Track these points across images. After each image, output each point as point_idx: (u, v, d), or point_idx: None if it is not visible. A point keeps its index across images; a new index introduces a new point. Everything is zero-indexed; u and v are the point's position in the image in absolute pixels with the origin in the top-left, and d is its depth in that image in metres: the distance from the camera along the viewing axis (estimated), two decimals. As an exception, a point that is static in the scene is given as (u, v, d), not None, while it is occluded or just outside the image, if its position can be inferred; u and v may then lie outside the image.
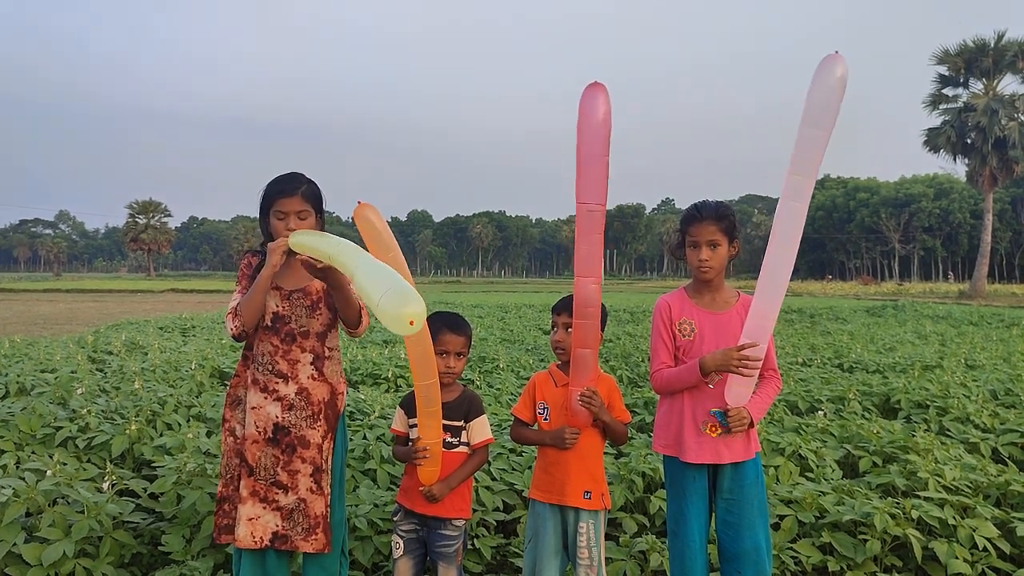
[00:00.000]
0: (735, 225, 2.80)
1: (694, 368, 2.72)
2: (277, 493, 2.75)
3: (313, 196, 2.85)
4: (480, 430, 2.90)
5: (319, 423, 2.82)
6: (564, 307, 2.88)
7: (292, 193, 2.78)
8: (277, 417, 2.77)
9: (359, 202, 2.78)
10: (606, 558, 3.23)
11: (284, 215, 2.78)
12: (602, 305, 2.76)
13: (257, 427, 2.77)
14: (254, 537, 2.72)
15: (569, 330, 2.83)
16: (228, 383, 7.46)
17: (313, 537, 2.76)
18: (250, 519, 2.72)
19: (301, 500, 2.76)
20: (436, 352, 2.79)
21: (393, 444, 3.11)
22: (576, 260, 2.67)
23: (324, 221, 2.99)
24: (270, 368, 2.79)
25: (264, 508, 2.74)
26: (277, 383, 2.78)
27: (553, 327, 2.97)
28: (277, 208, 2.79)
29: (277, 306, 2.80)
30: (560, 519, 2.86)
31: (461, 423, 2.89)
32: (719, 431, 2.74)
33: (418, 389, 2.74)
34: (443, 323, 2.89)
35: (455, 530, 2.85)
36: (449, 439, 2.86)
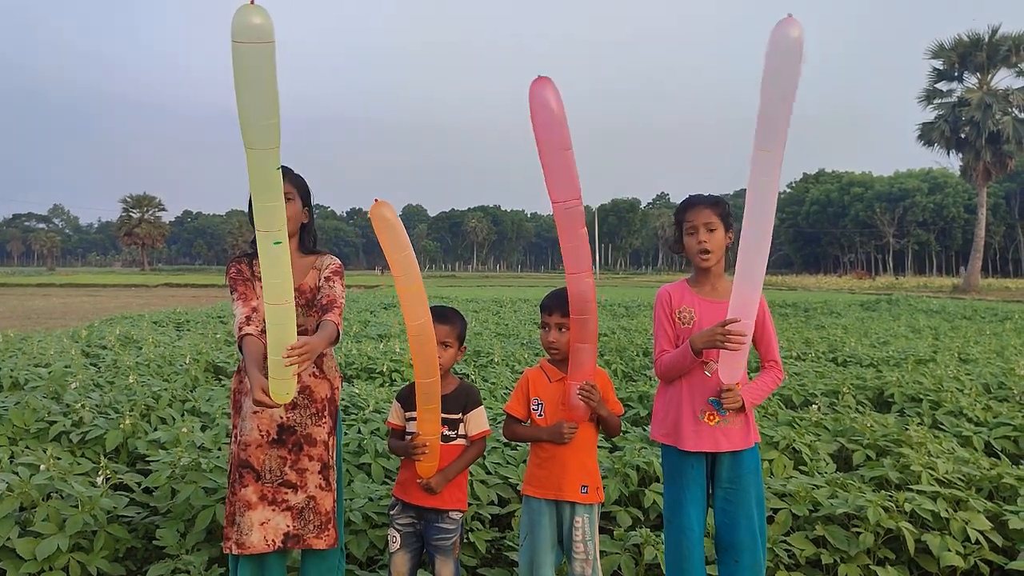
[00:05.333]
0: (729, 213, 2.84)
1: (686, 348, 2.74)
2: (287, 493, 2.73)
3: (299, 182, 2.85)
4: (478, 421, 2.91)
5: (324, 420, 2.82)
6: (555, 306, 2.83)
7: None
8: (282, 417, 2.76)
9: (376, 200, 2.68)
10: (600, 551, 3.23)
11: None
12: None
13: (260, 430, 2.75)
14: (267, 541, 2.69)
15: (563, 330, 2.82)
16: (222, 378, 7.51)
17: (325, 534, 2.75)
18: (262, 523, 2.69)
19: (311, 498, 2.75)
20: None
21: (389, 438, 3.11)
22: (565, 257, 2.62)
23: (312, 213, 2.98)
24: None
25: (274, 510, 2.72)
26: None
27: (545, 327, 2.91)
28: None
29: None
30: (555, 514, 2.85)
31: (459, 416, 2.89)
32: (717, 419, 2.76)
33: (419, 387, 2.73)
34: (431, 314, 2.89)
35: (452, 523, 2.85)
36: (447, 432, 2.86)
